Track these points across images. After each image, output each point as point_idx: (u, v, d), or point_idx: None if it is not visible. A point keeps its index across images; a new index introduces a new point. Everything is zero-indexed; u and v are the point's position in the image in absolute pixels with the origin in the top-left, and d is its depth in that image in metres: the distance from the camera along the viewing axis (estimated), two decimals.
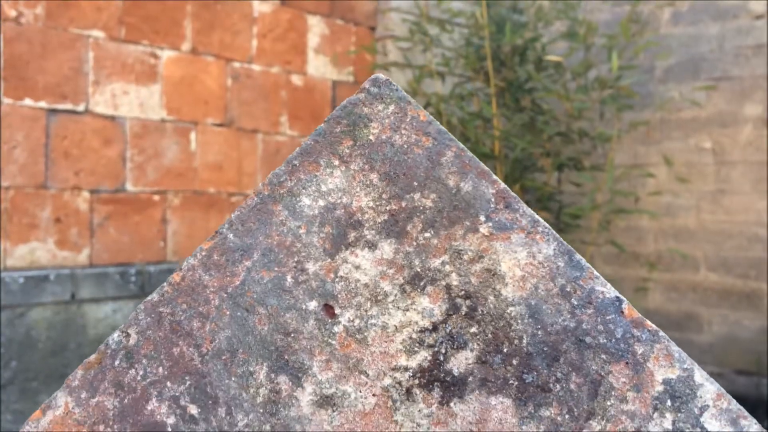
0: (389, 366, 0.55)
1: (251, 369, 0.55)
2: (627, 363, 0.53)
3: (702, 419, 0.52)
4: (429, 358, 0.54)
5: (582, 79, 3.52)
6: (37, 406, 3.24)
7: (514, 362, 0.54)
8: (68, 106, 3.32)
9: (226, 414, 0.55)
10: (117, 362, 0.56)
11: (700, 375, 0.53)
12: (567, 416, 0.53)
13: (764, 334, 3.89)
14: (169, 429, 0.56)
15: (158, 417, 0.55)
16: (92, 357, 0.57)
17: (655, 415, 0.52)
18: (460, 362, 0.54)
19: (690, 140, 4.18)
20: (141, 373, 0.56)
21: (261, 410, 0.55)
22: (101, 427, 0.56)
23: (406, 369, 0.55)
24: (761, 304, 3.88)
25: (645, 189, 3.90)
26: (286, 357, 0.55)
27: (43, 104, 3.25)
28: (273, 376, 0.55)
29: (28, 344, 3.26)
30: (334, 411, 0.55)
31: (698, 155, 4.16)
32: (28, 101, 3.23)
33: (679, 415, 0.52)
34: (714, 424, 0.52)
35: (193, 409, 0.55)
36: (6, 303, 3.16)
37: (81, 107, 3.38)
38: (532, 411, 0.53)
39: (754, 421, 0.52)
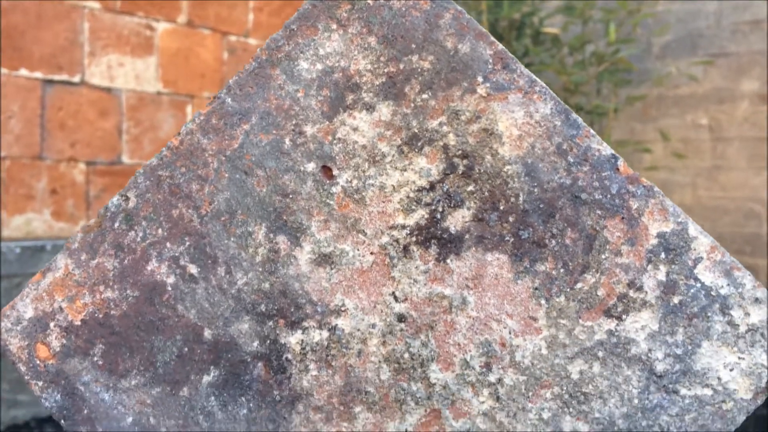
0: (387, 225, 0.55)
1: (250, 229, 0.56)
2: (622, 218, 0.53)
3: (696, 271, 0.52)
4: (426, 216, 0.55)
5: (579, 54, 3.52)
6: None
7: (511, 219, 0.54)
8: (64, 77, 3.31)
9: (226, 273, 0.55)
10: (116, 224, 0.57)
11: (694, 228, 0.54)
12: (562, 270, 0.53)
13: None
14: (169, 288, 0.56)
15: (158, 277, 0.56)
16: (92, 221, 0.57)
17: (649, 267, 0.53)
18: (457, 220, 0.55)
19: (687, 117, 4.19)
20: (140, 234, 0.56)
21: (260, 269, 0.56)
22: (101, 288, 0.56)
23: (403, 227, 0.55)
24: (758, 280, 3.91)
25: (641, 165, 3.91)
26: (284, 217, 0.56)
27: (38, 75, 3.24)
28: (272, 236, 0.56)
29: None
30: (332, 269, 0.55)
31: (695, 131, 4.16)
32: (23, 71, 3.21)
33: (672, 267, 0.53)
34: (708, 275, 0.52)
35: (193, 269, 0.56)
36: (3, 273, 3.15)
37: (77, 78, 3.37)
38: (528, 266, 0.54)
39: (748, 273, 0.53)
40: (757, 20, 3.90)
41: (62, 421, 0.56)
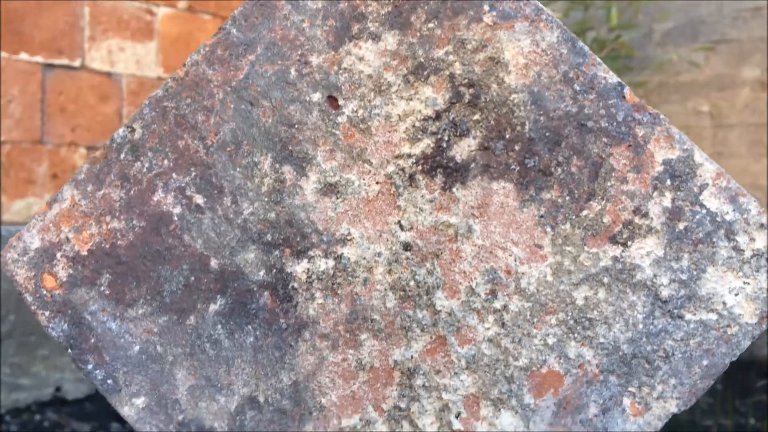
0: (392, 154, 0.55)
1: (256, 160, 0.56)
2: (628, 145, 0.53)
3: (701, 197, 0.52)
4: (432, 145, 0.55)
5: (581, 40, 3.51)
6: (35, 360, 3.25)
7: (516, 148, 0.54)
8: (64, 61, 3.30)
9: (232, 203, 0.56)
10: (122, 156, 0.57)
11: (699, 155, 0.54)
12: (567, 198, 0.54)
13: None
14: (176, 218, 0.56)
15: (164, 207, 0.56)
16: (98, 152, 0.57)
17: (655, 194, 0.53)
18: (463, 149, 0.55)
19: (688, 104, 4.19)
20: (146, 165, 0.56)
21: (266, 199, 0.56)
22: (107, 219, 0.56)
23: (409, 156, 0.55)
24: None
25: None
26: (290, 148, 0.56)
27: (39, 59, 3.23)
28: (277, 166, 0.56)
29: None
30: (338, 198, 0.55)
31: (696, 118, 4.16)
32: (23, 56, 3.21)
33: (678, 193, 0.53)
34: (713, 201, 0.52)
35: (199, 199, 0.56)
36: None
37: (77, 63, 3.36)
38: (533, 194, 0.54)
39: (753, 199, 0.53)
40: (758, 7, 3.90)
41: (69, 351, 0.56)
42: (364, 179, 0.55)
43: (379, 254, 0.55)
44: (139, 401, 0.55)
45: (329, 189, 0.55)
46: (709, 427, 2.93)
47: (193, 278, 0.56)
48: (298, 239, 0.55)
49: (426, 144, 0.55)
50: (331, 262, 0.55)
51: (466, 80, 0.55)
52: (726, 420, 2.92)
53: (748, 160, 4.01)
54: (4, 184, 3.12)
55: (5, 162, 3.13)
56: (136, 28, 3.49)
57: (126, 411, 0.55)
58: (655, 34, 4.09)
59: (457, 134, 0.55)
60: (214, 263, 0.56)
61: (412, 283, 0.55)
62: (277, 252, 0.55)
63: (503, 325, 0.54)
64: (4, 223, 3.10)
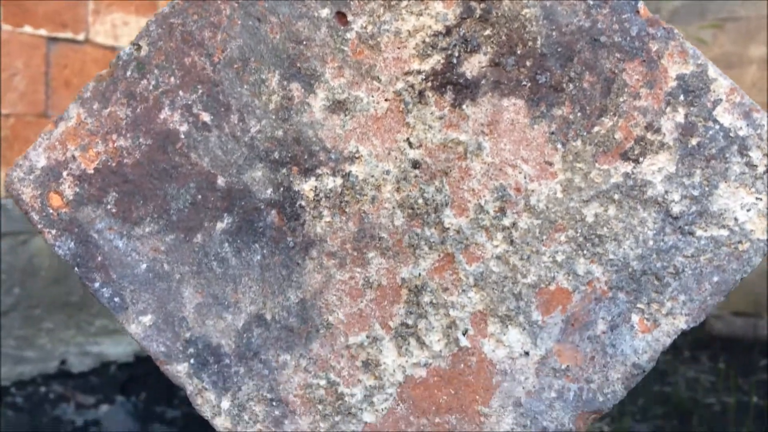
0: (401, 71, 0.55)
1: (263, 77, 0.55)
2: (642, 60, 0.52)
3: (714, 112, 0.52)
4: (442, 61, 0.54)
5: None
6: (40, 333, 3.27)
7: (528, 64, 0.54)
8: (68, 34, 3.29)
9: (239, 120, 0.55)
10: (129, 73, 0.56)
11: (713, 70, 0.53)
12: (579, 114, 0.53)
13: (763, 275, 3.90)
14: (182, 136, 0.56)
15: (171, 125, 0.55)
16: (104, 71, 0.57)
17: (668, 109, 0.52)
18: (473, 65, 0.54)
19: None
20: (153, 83, 0.56)
21: (273, 116, 0.55)
22: (114, 137, 0.56)
23: (418, 73, 0.55)
24: None
25: None
26: (298, 65, 0.55)
27: (42, 32, 3.21)
28: (285, 83, 0.55)
29: (31, 272, 3.27)
30: (346, 116, 0.55)
31: None
32: (27, 28, 3.19)
33: (691, 109, 0.52)
34: (726, 117, 0.52)
35: (206, 117, 0.55)
36: (7, 230, 3.16)
37: (81, 36, 3.35)
38: (544, 111, 0.53)
39: (767, 114, 0.53)
40: None
41: (76, 269, 0.56)
42: (372, 96, 0.55)
43: (388, 172, 0.54)
44: (146, 319, 0.55)
45: (337, 106, 0.55)
46: (712, 404, 2.94)
47: (200, 197, 0.55)
48: (305, 157, 0.55)
49: (436, 60, 0.54)
50: (339, 180, 0.55)
51: None
52: (729, 398, 2.93)
53: None
54: (9, 157, 3.12)
55: (9, 135, 3.12)
56: (139, 2, 3.47)
57: (133, 329, 0.55)
58: (662, 12, 4.06)
59: (468, 50, 0.54)
60: (221, 181, 0.55)
61: (420, 201, 0.54)
62: (284, 170, 0.55)
63: (512, 242, 0.53)
64: (6, 196, 3.10)
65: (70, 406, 2.98)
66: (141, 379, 3.10)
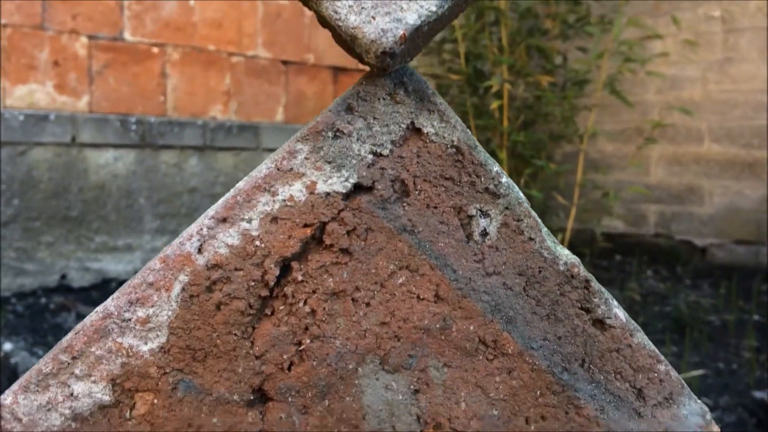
0: None
1: None
2: None
3: None
4: None
5: None
6: (39, 246, 3.26)
7: None
8: None
9: None
10: None
11: None
12: None
13: (765, 202, 3.88)
14: None
15: None
16: None
17: None
18: None
19: (699, 9, 4.10)
20: None
21: None
22: None
23: None
24: (763, 173, 3.86)
25: (653, 60, 3.82)
26: None
27: None
28: None
29: (30, 184, 3.26)
30: None
31: (707, 24, 4.08)
32: None
33: None
34: None
35: None
36: (6, 139, 3.14)
37: None
38: None
39: None
40: None
41: None
42: None
43: None
44: None
45: None
46: (712, 321, 2.93)
47: None
48: None
49: None
50: None
51: None
52: (729, 316, 2.92)
53: (759, 64, 3.93)
54: (7, 68, 3.09)
55: (7, 46, 3.09)
56: None
57: None
58: None
59: None
60: None
61: None
62: None
63: None
64: (6, 107, 3.07)
65: (71, 315, 2.98)
66: None
